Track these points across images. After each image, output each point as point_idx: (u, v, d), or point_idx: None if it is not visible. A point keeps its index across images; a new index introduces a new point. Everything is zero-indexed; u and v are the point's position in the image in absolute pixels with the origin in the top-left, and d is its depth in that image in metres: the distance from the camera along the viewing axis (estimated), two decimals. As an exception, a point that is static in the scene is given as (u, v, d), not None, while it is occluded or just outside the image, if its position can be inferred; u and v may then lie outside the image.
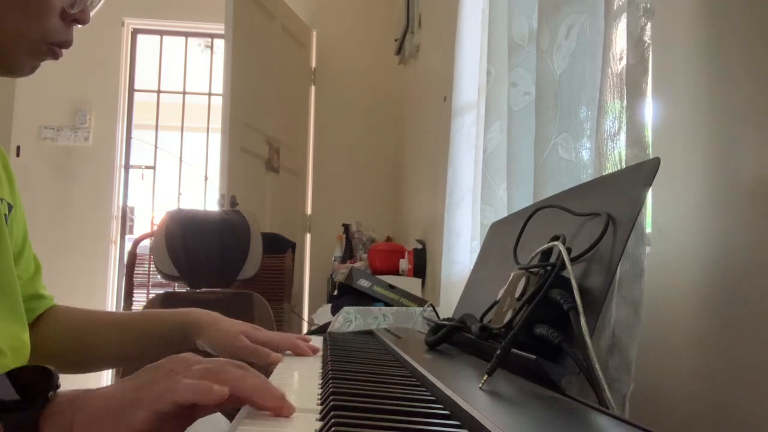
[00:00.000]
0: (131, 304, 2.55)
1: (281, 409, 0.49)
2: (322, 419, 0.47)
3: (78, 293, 3.78)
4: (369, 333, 1.21)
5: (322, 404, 0.53)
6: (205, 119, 5.03)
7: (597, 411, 0.47)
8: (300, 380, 0.72)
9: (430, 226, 2.61)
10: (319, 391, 0.61)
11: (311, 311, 3.66)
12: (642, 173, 0.62)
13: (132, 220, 6.50)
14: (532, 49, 1.12)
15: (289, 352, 0.92)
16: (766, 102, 0.62)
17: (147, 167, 5.25)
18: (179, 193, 5.41)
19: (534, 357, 0.57)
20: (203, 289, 2.22)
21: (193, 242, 2.21)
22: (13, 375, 0.49)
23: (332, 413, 0.45)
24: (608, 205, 0.65)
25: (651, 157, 0.70)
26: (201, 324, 0.92)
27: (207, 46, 5.53)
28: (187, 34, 4.71)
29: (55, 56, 0.76)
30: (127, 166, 4.23)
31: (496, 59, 1.34)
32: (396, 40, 3.61)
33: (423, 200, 2.90)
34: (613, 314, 0.66)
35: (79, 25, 0.77)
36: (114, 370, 2.70)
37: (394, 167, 3.94)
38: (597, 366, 0.54)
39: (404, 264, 2.61)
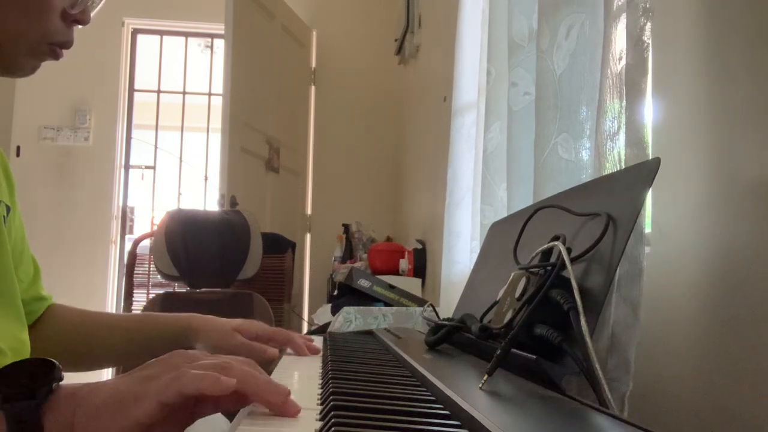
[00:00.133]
0: (131, 304, 2.55)
1: (287, 409, 0.49)
2: (322, 419, 0.47)
3: (78, 293, 3.77)
4: (369, 333, 1.21)
5: (322, 404, 0.53)
6: (205, 119, 5.03)
7: (597, 411, 0.47)
8: (300, 380, 0.72)
9: (430, 226, 2.62)
10: (319, 391, 0.61)
11: (311, 311, 3.66)
12: (642, 173, 0.62)
13: (132, 220, 6.50)
14: (532, 49, 1.12)
15: (290, 351, 0.93)
16: (766, 102, 0.62)
17: (147, 167, 5.25)
18: (179, 193, 5.41)
19: (534, 357, 0.57)
20: (203, 289, 2.22)
21: (193, 242, 2.21)
22: (16, 367, 0.49)
23: (332, 413, 0.45)
24: (608, 205, 0.65)
25: (650, 157, 0.70)
26: (196, 328, 0.92)
27: (207, 46, 5.53)
28: (187, 34, 4.71)
29: (56, 56, 0.76)
30: (127, 166, 4.24)
31: (496, 59, 1.34)
32: (396, 40, 3.61)
33: (423, 200, 2.90)
34: (612, 314, 0.66)
35: (80, 26, 0.77)
36: (113, 368, 2.70)
37: (394, 167, 3.94)
38: (597, 366, 0.54)
39: (404, 264, 2.61)
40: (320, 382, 0.66)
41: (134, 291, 2.61)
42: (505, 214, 1.21)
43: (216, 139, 3.48)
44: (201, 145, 5.42)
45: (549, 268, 0.64)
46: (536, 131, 0.99)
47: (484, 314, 0.80)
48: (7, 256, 0.77)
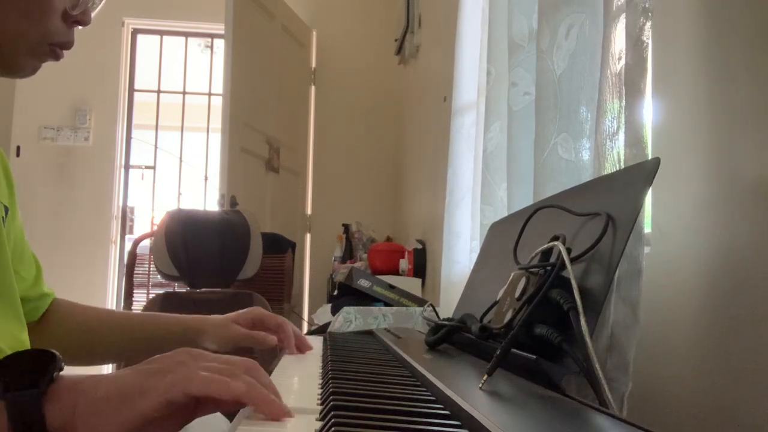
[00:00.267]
0: (131, 304, 2.55)
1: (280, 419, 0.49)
2: (322, 419, 0.47)
3: (78, 293, 3.76)
4: (369, 333, 1.21)
5: (322, 404, 0.53)
6: (205, 119, 5.03)
7: (597, 411, 0.47)
8: (300, 380, 0.72)
9: (430, 226, 2.62)
10: (319, 391, 0.61)
11: (311, 311, 3.66)
12: (642, 173, 0.62)
13: (132, 220, 6.50)
14: (532, 49, 1.12)
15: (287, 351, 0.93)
16: (766, 102, 0.62)
17: (147, 167, 5.25)
18: (179, 193, 5.41)
19: (534, 357, 0.57)
20: (203, 289, 2.22)
21: (193, 242, 2.21)
22: (17, 357, 0.49)
23: (332, 413, 0.45)
24: (608, 205, 0.65)
25: (649, 157, 0.70)
26: (198, 328, 0.94)
27: (207, 46, 5.53)
28: (187, 34, 4.71)
29: (57, 57, 0.76)
30: (127, 166, 4.24)
31: (496, 59, 1.34)
32: (396, 40, 3.61)
33: (423, 200, 2.90)
34: (612, 314, 0.66)
35: (80, 27, 0.77)
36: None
37: (394, 167, 3.94)
38: (597, 366, 0.54)
39: (404, 264, 2.61)
40: (320, 382, 0.66)
41: (134, 291, 2.61)
42: (505, 214, 1.21)
43: (216, 139, 3.48)
44: (201, 145, 5.42)
45: (549, 268, 0.64)
46: (536, 131, 0.99)
47: (484, 314, 0.80)
48: (6, 256, 0.77)
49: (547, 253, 0.69)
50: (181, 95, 5.11)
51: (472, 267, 1.16)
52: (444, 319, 0.92)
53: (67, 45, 0.77)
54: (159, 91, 4.86)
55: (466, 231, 1.61)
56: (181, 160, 5.25)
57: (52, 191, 3.99)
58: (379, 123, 4.07)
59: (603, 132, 0.78)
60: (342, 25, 4.16)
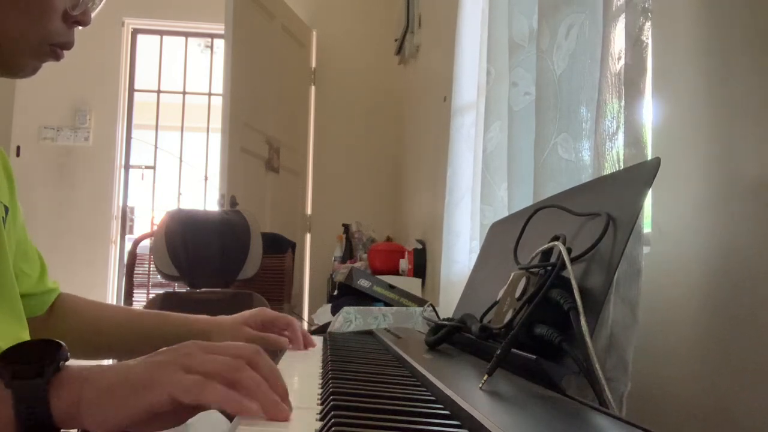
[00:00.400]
0: (131, 304, 2.55)
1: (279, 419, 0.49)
2: (322, 419, 0.47)
3: (78, 293, 3.75)
4: (369, 333, 1.21)
5: (322, 404, 0.53)
6: (205, 119, 5.03)
7: (597, 411, 0.47)
8: (300, 380, 0.72)
9: (430, 226, 2.62)
10: (319, 391, 0.61)
11: (311, 311, 3.66)
12: (642, 173, 0.62)
13: (132, 220, 6.50)
14: (533, 49, 1.12)
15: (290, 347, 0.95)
16: (766, 101, 0.62)
17: (147, 167, 5.25)
18: (179, 193, 5.41)
19: (534, 357, 0.57)
20: (203, 289, 2.22)
21: (193, 242, 2.21)
22: (22, 347, 0.49)
23: (332, 413, 0.45)
24: (608, 205, 0.65)
25: (649, 157, 0.70)
26: (209, 330, 0.95)
27: (207, 46, 5.53)
28: (187, 34, 4.71)
29: (57, 57, 0.77)
30: (127, 166, 4.24)
31: (496, 59, 1.34)
32: (396, 40, 3.61)
33: (423, 200, 2.90)
34: (611, 314, 0.66)
35: (81, 27, 0.77)
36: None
37: (394, 167, 3.94)
38: (597, 366, 0.54)
39: (404, 264, 2.61)
40: (320, 382, 0.66)
41: (134, 291, 2.61)
42: (505, 214, 1.21)
43: (216, 139, 3.48)
44: (201, 145, 5.42)
45: (549, 268, 0.64)
46: (536, 131, 0.99)
47: (484, 314, 0.80)
48: (6, 257, 0.77)
49: (547, 253, 0.69)
50: (181, 95, 5.11)
51: (471, 267, 1.16)
52: (444, 319, 0.92)
53: (68, 45, 0.77)
54: (159, 91, 4.86)
55: (465, 231, 1.61)
56: (181, 160, 5.25)
57: (52, 191, 3.99)
58: (379, 123, 4.06)
59: (602, 132, 0.78)
60: (342, 25, 4.16)
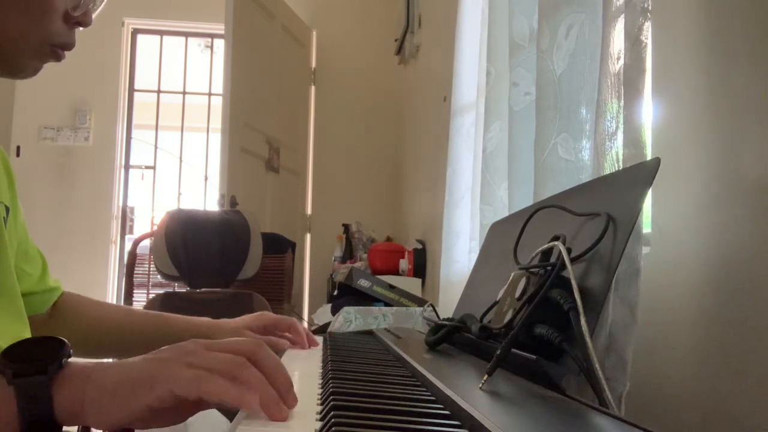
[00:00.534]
0: (131, 304, 2.55)
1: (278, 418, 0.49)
2: (322, 419, 0.47)
3: (78, 293, 3.77)
4: (369, 333, 1.21)
5: (322, 404, 0.53)
6: (205, 119, 5.03)
7: (597, 411, 0.47)
8: (300, 380, 0.72)
9: (430, 226, 2.62)
10: (319, 391, 0.61)
11: (311, 311, 3.66)
12: (642, 173, 0.62)
13: (132, 220, 6.50)
14: (533, 49, 1.12)
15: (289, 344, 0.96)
16: (766, 101, 0.62)
17: (147, 167, 5.25)
18: (179, 193, 5.41)
19: (534, 357, 0.57)
20: (203, 289, 2.22)
21: (193, 242, 2.21)
22: (25, 344, 0.49)
23: (332, 413, 0.45)
24: (608, 205, 0.65)
25: (648, 157, 0.70)
26: (204, 335, 0.95)
27: (207, 46, 5.53)
28: (187, 34, 4.71)
29: (58, 58, 0.77)
30: (127, 166, 4.24)
31: (496, 59, 1.34)
32: (396, 40, 3.61)
33: (423, 200, 2.90)
34: (610, 314, 0.66)
35: (81, 28, 0.78)
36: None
37: (394, 167, 3.94)
38: (597, 366, 0.54)
39: (404, 264, 2.61)
40: (320, 381, 0.66)
41: (134, 291, 2.61)
42: (505, 214, 1.21)
43: (216, 139, 3.48)
44: (201, 145, 5.42)
45: (549, 268, 0.64)
46: (536, 131, 0.99)
47: (484, 314, 0.80)
48: (7, 257, 0.77)
49: (547, 253, 0.69)
50: (181, 95, 5.11)
51: (471, 267, 1.16)
52: (444, 319, 0.92)
53: (69, 46, 0.77)
54: (159, 91, 4.86)
55: (465, 231, 1.61)
56: (181, 160, 5.25)
57: (52, 191, 4.00)
58: (379, 123, 4.07)
59: (602, 132, 0.78)
60: (342, 25, 4.16)
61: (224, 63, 3.24)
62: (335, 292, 1.83)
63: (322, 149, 4.11)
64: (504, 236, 0.98)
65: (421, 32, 3.10)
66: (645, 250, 0.74)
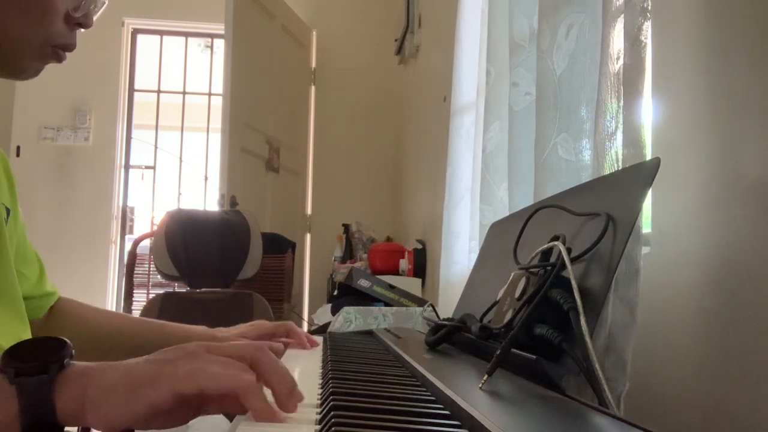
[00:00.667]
0: (131, 304, 2.55)
1: (288, 403, 0.49)
2: (321, 419, 0.47)
3: (78, 293, 3.73)
4: (369, 333, 1.21)
5: (321, 404, 0.53)
6: (205, 119, 5.03)
7: (597, 411, 0.47)
8: (300, 380, 0.72)
9: (429, 226, 2.62)
10: (319, 391, 0.61)
11: (311, 311, 3.66)
12: (642, 173, 0.62)
13: (132, 220, 6.51)
14: (533, 49, 1.12)
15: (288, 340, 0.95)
16: (766, 101, 0.62)
17: (147, 167, 5.25)
18: (179, 193, 5.41)
19: (534, 357, 0.57)
20: (203, 289, 2.22)
21: (193, 242, 2.21)
22: (27, 344, 0.49)
23: (332, 413, 0.45)
24: (608, 205, 0.65)
25: (648, 157, 0.70)
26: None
27: (207, 46, 5.53)
28: (187, 34, 4.71)
29: (59, 59, 0.77)
30: (127, 166, 4.24)
31: (496, 59, 1.34)
32: (396, 40, 3.61)
33: (423, 200, 2.90)
34: (610, 314, 0.66)
35: (82, 29, 0.78)
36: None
37: (394, 167, 3.94)
38: (597, 366, 0.54)
39: (404, 264, 2.61)
40: (320, 381, 0.66)
41: (134, 291, 2.61)
42: (505, 214, 1.21)
43: (216, 139, 3.48)
44: (201, 145, 5.42)
45: (549, 268, 0.64)
46: (536, 131, 0.99)
47: (484, 314, 0.80)
48: (8, 257, 0.77)
49: (547, 253, 0.69)
50: (181, 95, 5.11)
51: (471, 267, 1.16)
52: (444, 319, 0.92)
53: (70, 47, 0.77)
54: (159, 91, 4.86)
55: (465, 231, 1.61)
56: (181, 160, 5.25)
57: (52, 191, 4.00)
58: (379, 123, 4.07)
59: (602, 132, 0.78)
60: (342, 25, 4.16)
61: (224, 63, 3.24)
62: (335, 292, 1.83)
63: (322, 149, 4.11)
64: (504, 236, 0.98)
65: (421, 32, 3.10)
66: (645, 250, 0.74)
